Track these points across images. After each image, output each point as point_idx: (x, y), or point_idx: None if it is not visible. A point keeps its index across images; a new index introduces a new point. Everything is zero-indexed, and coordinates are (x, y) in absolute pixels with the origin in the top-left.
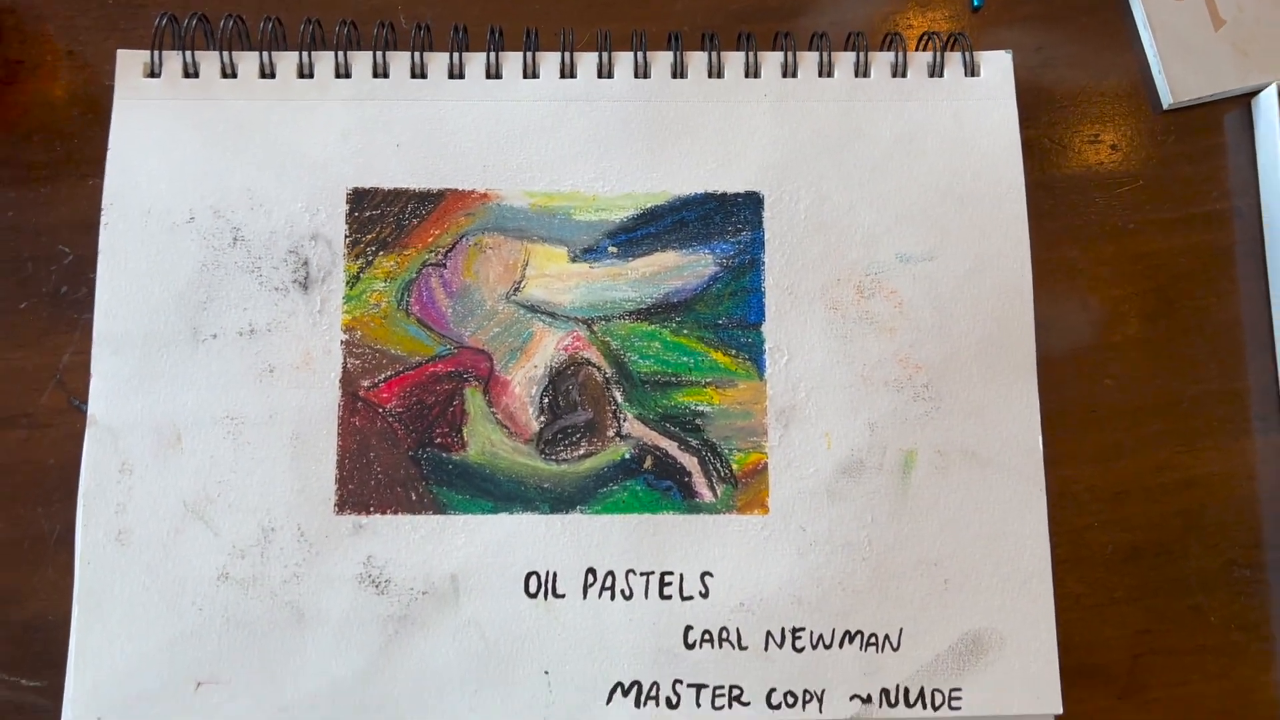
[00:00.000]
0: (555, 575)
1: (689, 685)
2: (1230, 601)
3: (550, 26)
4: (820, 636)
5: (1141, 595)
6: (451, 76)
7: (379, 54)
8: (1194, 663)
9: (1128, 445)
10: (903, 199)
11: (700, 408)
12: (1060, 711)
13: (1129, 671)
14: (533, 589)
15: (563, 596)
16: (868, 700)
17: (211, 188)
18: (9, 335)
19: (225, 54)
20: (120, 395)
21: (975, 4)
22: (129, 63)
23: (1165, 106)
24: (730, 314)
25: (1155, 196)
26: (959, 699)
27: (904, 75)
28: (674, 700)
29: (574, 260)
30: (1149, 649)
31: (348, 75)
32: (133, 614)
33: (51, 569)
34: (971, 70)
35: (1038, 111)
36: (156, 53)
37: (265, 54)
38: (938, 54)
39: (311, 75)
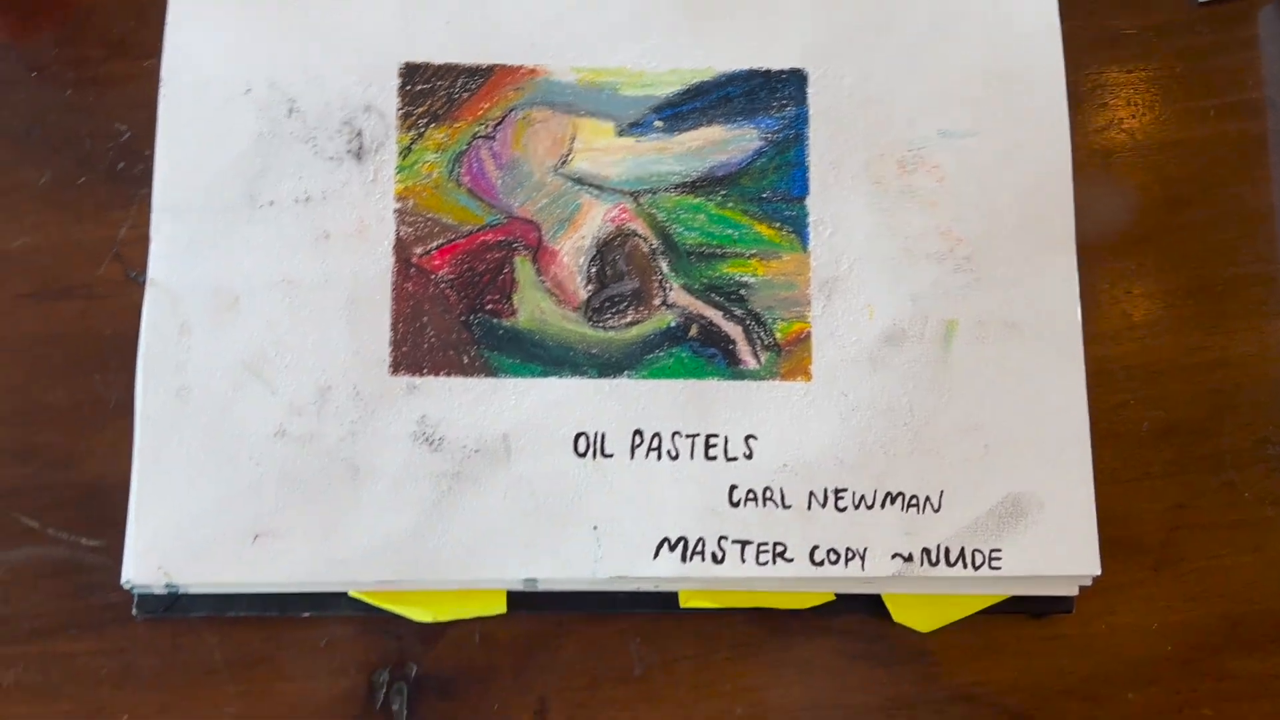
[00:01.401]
0: (603, 436)
1: (734, 541)
2: (1263, 478)
3: None
4: (862, 497)
5: (1176, 471)
6: None
7: None
8: (1227, 537)
9: (1162, 325)
10: (944, 78)
11: (744, 279)
12: (1099, 573)
13: (1163, 544)
14: (581, 449)
15: (610, 456)
16: (909, 559)
17: (267, 61)
18: (68, 209)
19: None
20: (179, 260)
21: None
22: None
23: None
24: (775, 188)
25: (1190, 87)
26: (999, 559)
27: None
28: (719, 555)
29: (621, 134)
30: (1183, 523)
31: None
32: (192, 469)
33: (110, 433)
34: None
35: (1075, 2)
36: None
37: None
38: None
39: None
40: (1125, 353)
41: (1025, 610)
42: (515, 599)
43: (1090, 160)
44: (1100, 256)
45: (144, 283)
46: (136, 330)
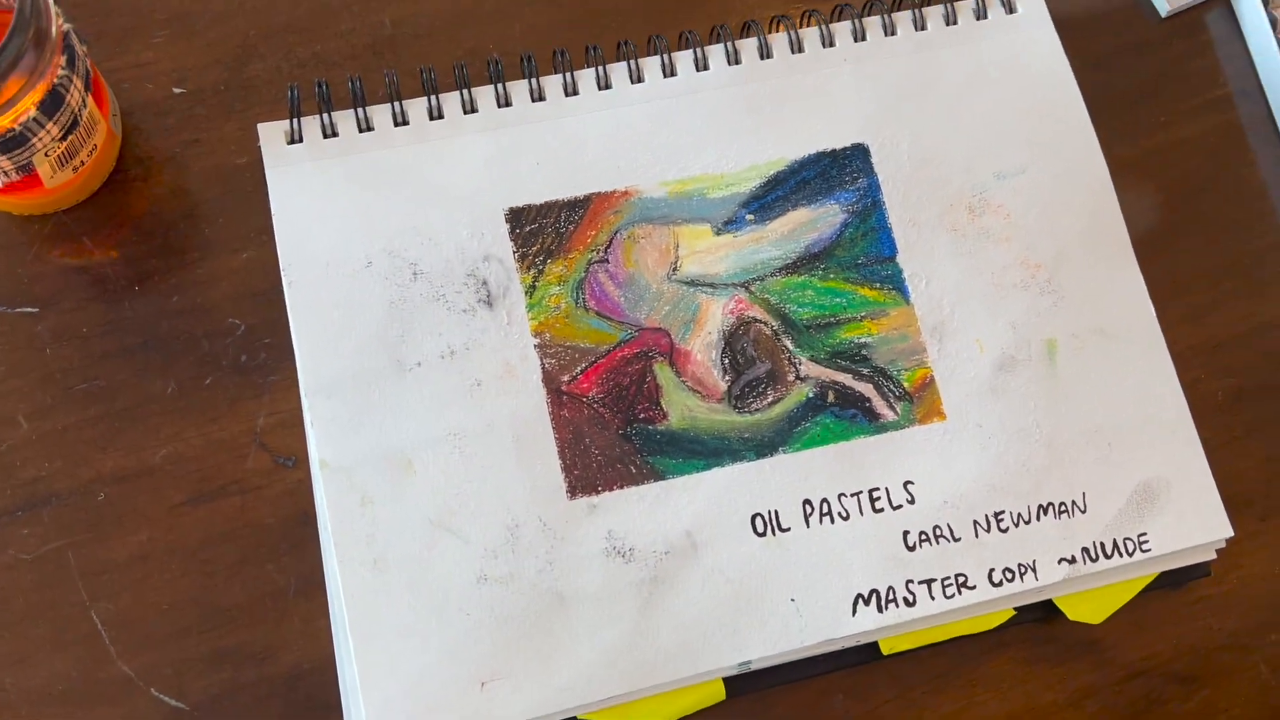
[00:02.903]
0: (777, 512)
1: (920, 582)
2: None
3: (636, 35)
4: (1019, 514)
5: (1256, 429)
6: (567, 95)
7: (499, 86)
8: None
9: (1209, 303)
10: (986, 127)
11: (863, 339)
12: (1231, 534)
13: (1265, 494)
14: (759, 528)
15: (788, 530)
16: (1073, 560)
17: (380, 232)
18: (202, 411)
19: (359, 110)
20: (344, 437)
21: None
22: (271, 134)
23: (1164, 15)
24: (866, 253)
25: (1174, 92)
26: (1147, 541)
27: (955, 23)
28: (910, 599)
29: (718, 233)
30: (1277, 474)
31: (475, 110)
32: (406, 634)
33: (296, 619)
34: (1009, 8)
35: (1061, 37)
36: (296, 120)
37: (396, 104)
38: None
39: (442, 116)
40: (1185, 335)
41: (1168, 583)
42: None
43: (1112, 171)
44: (1141, 254)
45: (293, 466)
46: (297, 513)
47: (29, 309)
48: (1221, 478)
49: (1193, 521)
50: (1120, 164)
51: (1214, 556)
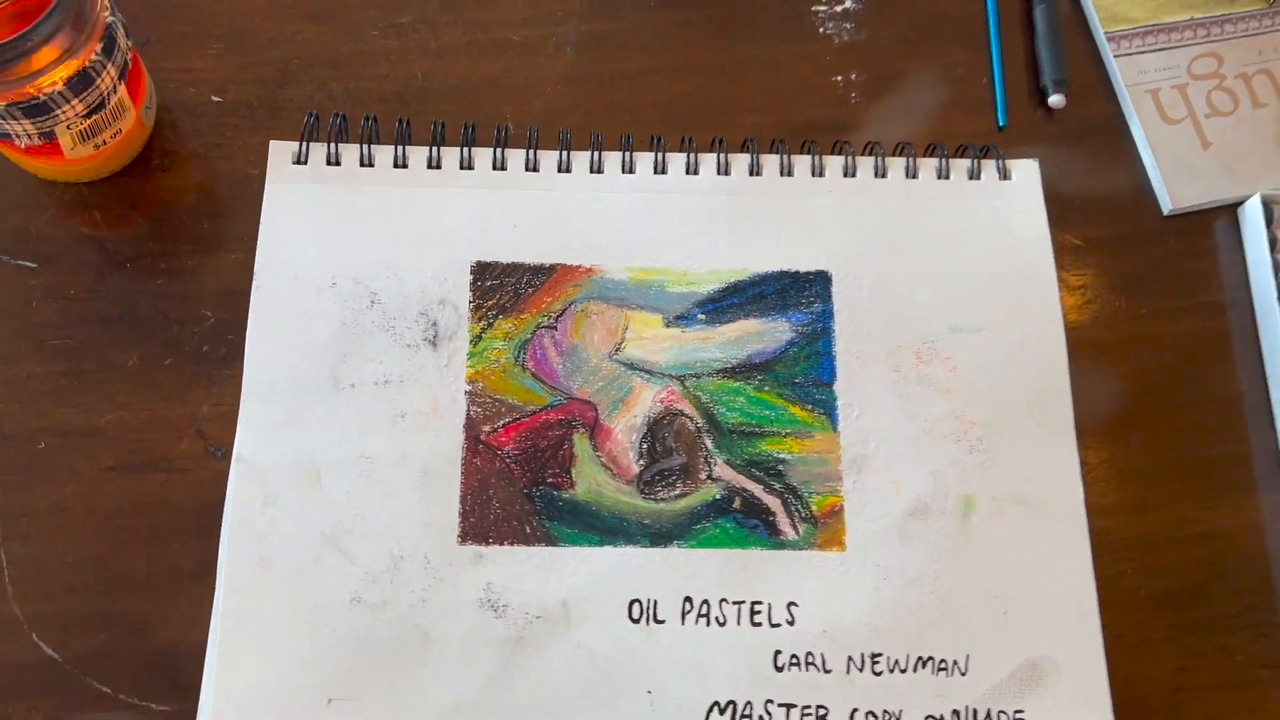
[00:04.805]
0: (656, 603)
1: (779, 705)
2: (1253, 642)
3: (642, 133)
4: (896, 661)
5: (1175, 635)
6: (560, 171)
7: (498, 150)
8: (1227, 698)
9: (1153, 500)
10: (953, 280)
11: (782, 455)
12: None
13: (1168, 705)
14: (635, 615)
15: (663, 622)
16: None
17: (352, 258)
18: (154, 388)
19: (365, 146)
20: (266, 438)
21: (1001, 123)
22: (280, 152)
23: (1166, 213)
24: (805, 374)
25: (1163, 288)
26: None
27: (947, 178)
28: (766, 718)
29: (668, 325)
30: (1185, 685)
31: (470, 167)
32: (271, 635)
33: (185, 601)
34: (1004, 175)
35: (1060, 215)
36: (305, 143)
37: (399, 148)
38: (975, 160)
39: (439, 166)
40: (1122, 525)
41: None
42: None
43: (1081, 350)
44: (1097, 437)
45: (221, 456)
46: (214, 502)
47: (28, 263)
48: (1125, 678)
49: (1075, 712)
50: (1095, 344)
51: None
